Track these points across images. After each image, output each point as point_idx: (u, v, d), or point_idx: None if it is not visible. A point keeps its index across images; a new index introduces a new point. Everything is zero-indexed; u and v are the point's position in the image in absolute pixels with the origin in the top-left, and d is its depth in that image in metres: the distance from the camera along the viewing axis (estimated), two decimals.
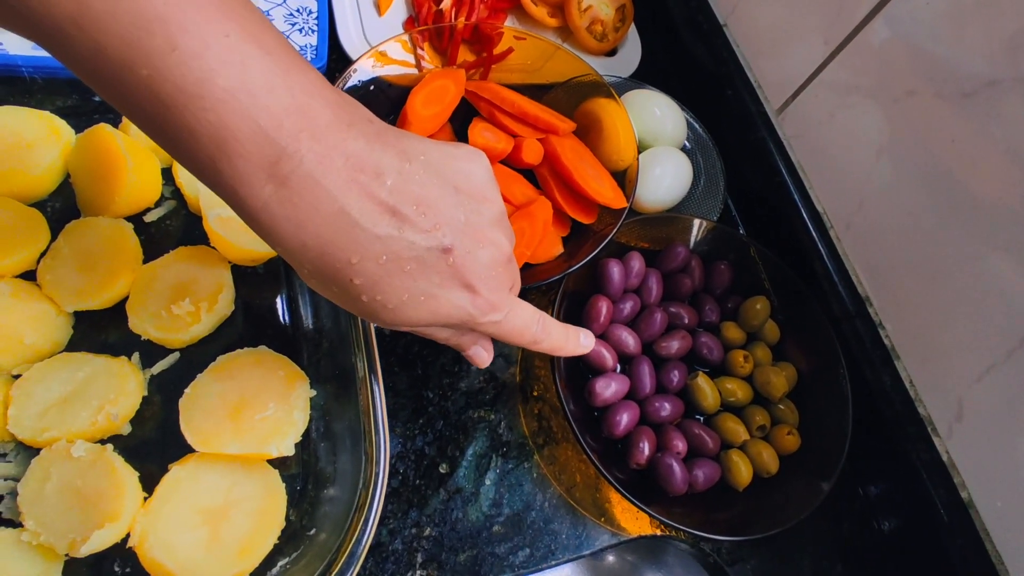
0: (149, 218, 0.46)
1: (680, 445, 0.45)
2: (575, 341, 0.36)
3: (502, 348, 0.50)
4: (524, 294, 0.52)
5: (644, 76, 0.64)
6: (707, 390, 0.48)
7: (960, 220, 0.44)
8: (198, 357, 0.43)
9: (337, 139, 0.25)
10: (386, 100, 0.54)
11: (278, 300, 0.46)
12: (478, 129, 0.50)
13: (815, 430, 0.48)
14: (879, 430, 0.49)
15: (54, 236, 0.43)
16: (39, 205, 0.44)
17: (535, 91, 0.56)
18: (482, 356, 0.35)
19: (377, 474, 0.35)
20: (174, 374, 0.42)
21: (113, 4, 0.21)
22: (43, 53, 0.47)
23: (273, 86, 0.23)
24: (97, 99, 0.49)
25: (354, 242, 0.25)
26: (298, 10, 0.57)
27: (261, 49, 0.24)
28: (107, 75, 0.23)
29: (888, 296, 0.51)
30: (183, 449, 0.39)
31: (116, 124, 0.47)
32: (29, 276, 0.42)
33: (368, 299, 0.27)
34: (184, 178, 0.46)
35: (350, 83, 0.51)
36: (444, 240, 0.27)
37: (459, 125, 0.54)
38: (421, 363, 0.47)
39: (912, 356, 0.49)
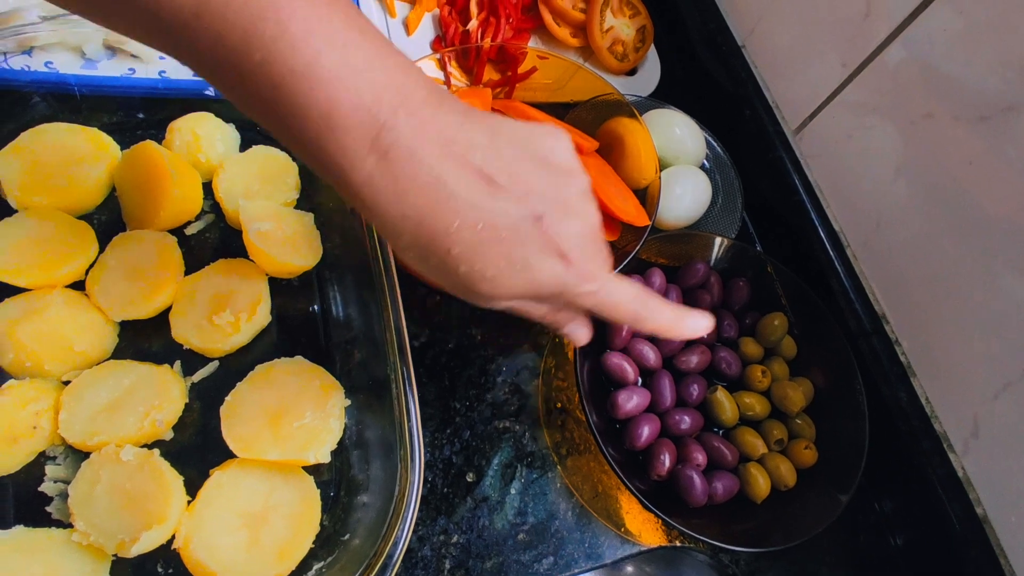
0: (190, 231, 0.48)
1: (700, 457, 0.46)
2: (683, 324, 0.32)
3: (526, 361, 0.51)
4: None
5: (663, 95, 0.65)
6: (726, 404, 0.49)
7: (977, 239, 0.45)
8: (235, 366, 0.44)
9: (431, 113, 0.26)
10: None
11: (312, 311, 0.48)
12: None
13: (832, 445, 0.49)
14: (895, 445, 0.50)
15: (101, 248, 0.44)
16: (86, 217, 0.46)
17: (558, 109, 0.58)
18: (580, 333, 0.34)
19: (412, 482, 0.36)
20: (212, 382, 0.44)
21: None
22: (92, 72, 0.49)
23: (372, 65, 0.25)
24: (141, 115, 0.51)
25: (451, 211, 0.26)
26: None
27: (359, 33, 0.26)
28: (224, 62, 0.25)
29: (905, 314, 0.52)
30: (222, 454, 0.40)
31: (159, 140, 0.49)
32: (78, 286, 0.43)
33: (467, 269, 0.27)
34: (223, 192, 0.47)
35: None
36: (536, 208, 0.27)
37: None
38: (449, 375, 0.49)
39: (928, 373, 0.50)
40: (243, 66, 0.24)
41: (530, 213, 0.27)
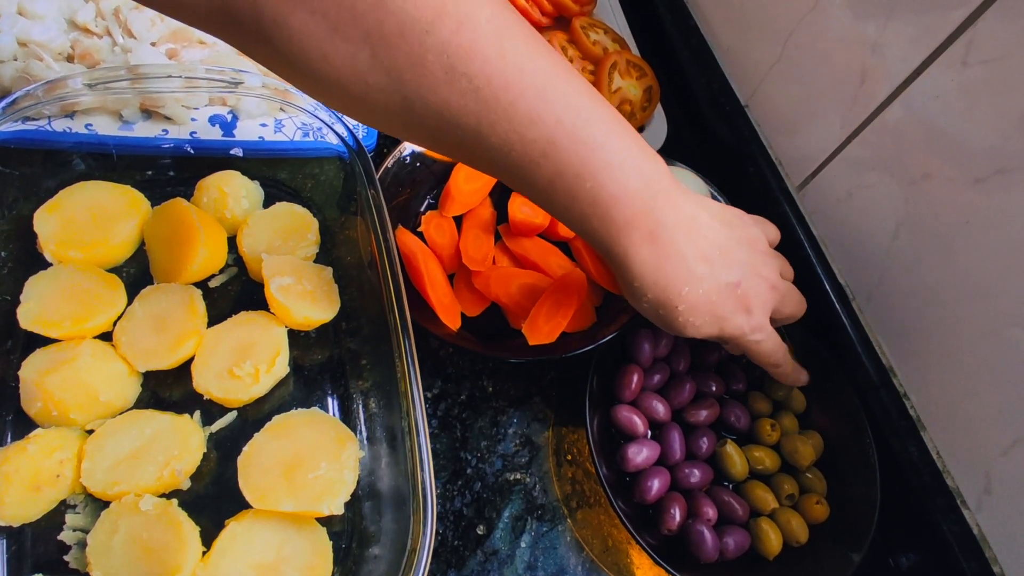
0: (213, 283, 0.50)
1: (710, 512, 0.46)
2: (797, 376, 0.48)
3: (537, 413, 0.52)
4: (560, 362, 0.54)
5: (670, 152, 0.67)
6: (735, 458, 0.49)
7: (981, 294, 0.46)
8: (253, 416, 0.46)
9: (681, 205, 0.36)
10: (430, 175, 0.58)
11: (328, 362, 0.49)
12: (517, 204, 0.54)
13: (844, 499, 0.49)
14: (908, 501, 0.50)
15: (129, 300, 0.46)
16: (116, 270, 0.49)
17: None
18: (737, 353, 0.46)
19: (424, 535, 0.36)
20: (229, 432, 0.45)
21: (573, 140, 0.31)
22: (129, 133, 0.52)
23: (655, 182, 0.34)
24: (171, 173, 0.54)
25: (686, 281, 0.36)
26: None
27: (646, 155, 0.34)
28: (559, 189, 0.33)
29: (912, 367, 0.52)
30: (237, 504, 0.41)
31: (188, 196, 0.51)
32: (105, 336, 0.45)
33: (683, 320, 0.37)
34: (247, 247, 0.49)
35: (399, 159, 0.56)
36: (737, 276, 0.38)
37: (497, 199, 0.58)
38: (461, 426, 0.50)
39: (938, 427, 0.50)
40: (575, 191, 0.33)
41: (733, 280, 0.37)
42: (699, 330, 0.38)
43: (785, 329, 0.54)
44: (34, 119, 0.49)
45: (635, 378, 0.49)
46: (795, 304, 0.44)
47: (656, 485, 0.46)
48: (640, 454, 0.47)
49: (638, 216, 0.34)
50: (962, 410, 0.48)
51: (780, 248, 0.62)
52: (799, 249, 0.59)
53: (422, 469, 0.38)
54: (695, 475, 0.48)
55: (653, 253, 0.35)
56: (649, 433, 0.50)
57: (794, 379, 0.48)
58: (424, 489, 0.38)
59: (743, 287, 0.38)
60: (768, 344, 0.42)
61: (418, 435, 0.40)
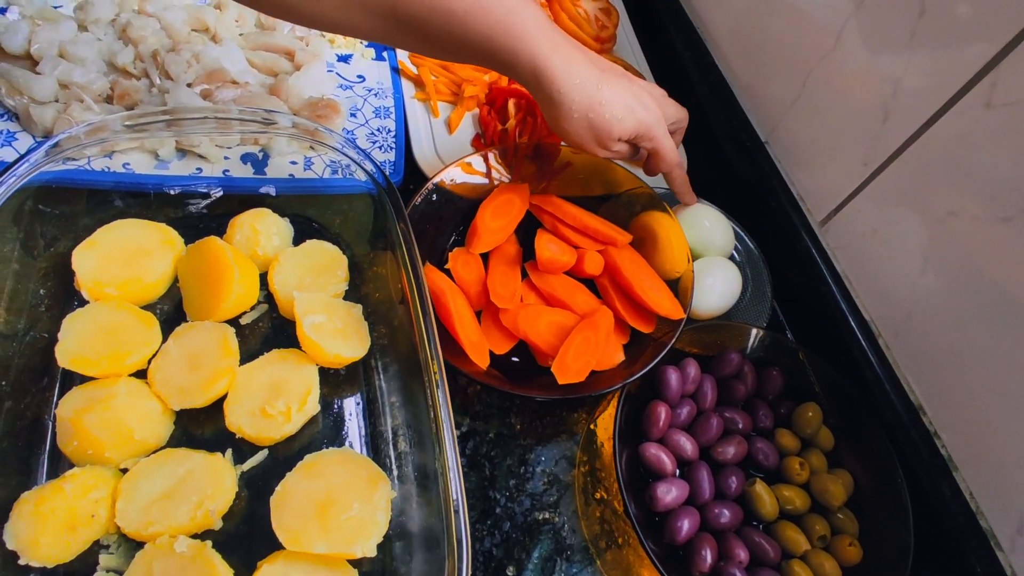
0: (244, 320, 0.50)
1: (742, 554, 0.46)
2: (687, 185, 0.58)
3: (564, 451, 0.52)
4: (587, 399, 0.54)
5: (692, 188, 0.68)
6: (765, 497, 0.49)
7: (1013, 331, 0.46)
8: (283, 454, 0.46)
9: (560, 36, 0.46)
10: (456, 211, 0.59)
11: (357, 401, 0.49)
12: (543, 241, 0.55)
13: (876, 541, 0.48)
14: (941, 542, 0.49)
15: (163, 337, 0.47)
16: (150, 307, 0.49)
17: (591, 203, 0.60)
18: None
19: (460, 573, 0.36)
20: (260, 470, 0.45)
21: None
22: (164, 172, 0.53)
23: (544, 22, 0.45)
24: (205, 210, 0.55)
25: (596, 79, 0.46)
26: (378, 130, 0.63)
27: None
28: (456, 29, 0.42)
29: (942, 405, 0.52)
30: (269, 544, 0.41)
31: (220, 233, 0.52)
32: (140, 374, 0.46)
33: (609, 116, 0.46)
34: (278, 284, 0.50)
35: (426, 195, 0.56)
36: (624, 78, 0.48)
37: (523, 235, 0.58)
38: (489, 464, 0.50)
39: (970, 467, 0.50)
40: (471, 25, 0.42)
41: (626, 79, 0.48)
42: (623, 124, 0.47)
43: (811, 367, 0.54)
44: (74, 159, 0.50)
45: (663, 415, 0.49)
46: (673, 106, 0.53)
47: (686, 525, 0.46)
48: (669, 493, 0.47)
49: (542, 29, 0.44)
50: (995, 449, 0.48)
51: (802, 282, 0.62)
52: (822, 284, 0.59)
53: (456, 511, 0.38)
54: (725, 515, 0.47)
55: (562, 60, 0.44)
56: (677, 471, 0.49)
57: (685, 187, 0.57)
58: (459, 532, 0.37)
59: (636, 86, 0.48)
60: (670, 142, 0.51)
61: (451, 476, 0.39)
